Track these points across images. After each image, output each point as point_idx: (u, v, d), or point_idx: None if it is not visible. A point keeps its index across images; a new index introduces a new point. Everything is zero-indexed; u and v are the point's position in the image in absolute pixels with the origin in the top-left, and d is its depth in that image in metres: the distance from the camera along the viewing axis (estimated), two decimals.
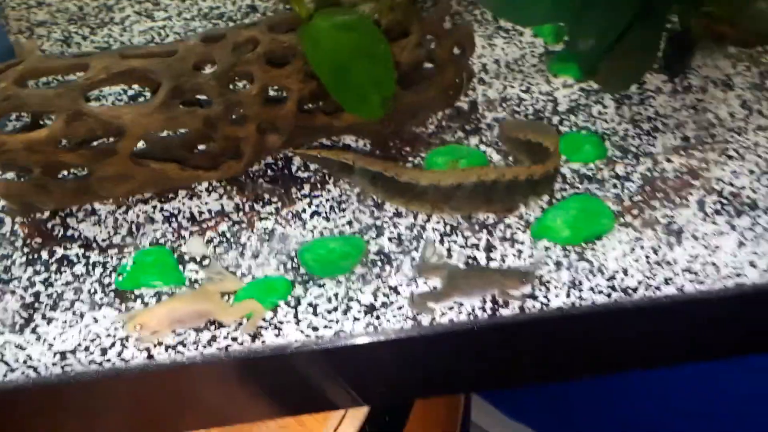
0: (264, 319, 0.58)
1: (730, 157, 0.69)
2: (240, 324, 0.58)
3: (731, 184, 0.66)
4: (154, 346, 0.56)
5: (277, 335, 0.57)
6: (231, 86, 0.65)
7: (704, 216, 0.64)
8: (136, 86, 0.79)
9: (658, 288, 0.58)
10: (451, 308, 0.59)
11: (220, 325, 0.58)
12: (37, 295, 0.61)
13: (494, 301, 0.58)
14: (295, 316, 0.58)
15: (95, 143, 0.64)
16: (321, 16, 0.61)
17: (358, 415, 0.64)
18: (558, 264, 0.60)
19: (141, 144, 0.66)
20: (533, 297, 0.58)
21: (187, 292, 0.59)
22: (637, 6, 0.72)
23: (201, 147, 0.68)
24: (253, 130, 0.66)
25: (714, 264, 0.60)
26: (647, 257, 0.60)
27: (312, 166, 0.71)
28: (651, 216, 0.64)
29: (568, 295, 0.58)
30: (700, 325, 0.60)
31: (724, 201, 0.65)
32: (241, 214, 0.68)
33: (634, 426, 1.11)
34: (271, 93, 0.71)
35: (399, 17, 0.66)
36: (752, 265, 0.59)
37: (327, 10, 0.61)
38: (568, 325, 0.58)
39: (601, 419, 1.15)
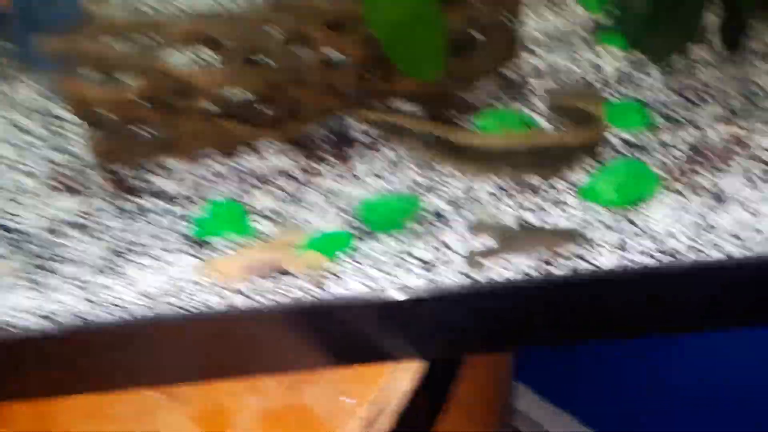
0: (326, 270, 0.62)
1: None
2: (306, 274, 0.62)
3: None
4: (233, 292, 0.61)
5: (339, 285, 0.61)
6: (295, 49, 0.68)
7: (749, 183, 0.66)
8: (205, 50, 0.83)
9: (704, 252, 0.61)
10: (503, 266, 0.62)
11: (289, 275, 0.62)
12: (121, 241, 0.65)
13: (545, 260, 0.62)
14: (356, 267, 0.62)
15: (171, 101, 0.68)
16: None
17: (411, 366, 0.68)
18: (607, 226, 0.63)
19: (211, 104, 0.70)
20: (582, 257, 0.62)
21: (259, 244, 0.63)
22: None
23: (262, 109, 0.72)
24: (313, 92, 0.70)
25: (758, 230, 0.62)
26: (694, 222, 0.63)
27: (366, 128, 0.74)
28: (697, 182, 0.66)
29: (616, 256, 0.61)
30: (746, 290, 0.62)
31: None
32: (300, 171, 0.71)
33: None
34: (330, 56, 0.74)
35: None
36: None
37: None
38: (617, 285, 0.61)
39: (645, 404, 1.17)
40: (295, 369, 0.65)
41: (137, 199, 0.69)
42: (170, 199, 0.69)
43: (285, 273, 0.62)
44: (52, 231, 0.67)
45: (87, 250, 0.65)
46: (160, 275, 0.62)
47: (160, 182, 0.71)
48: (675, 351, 1.14)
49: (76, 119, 0.76)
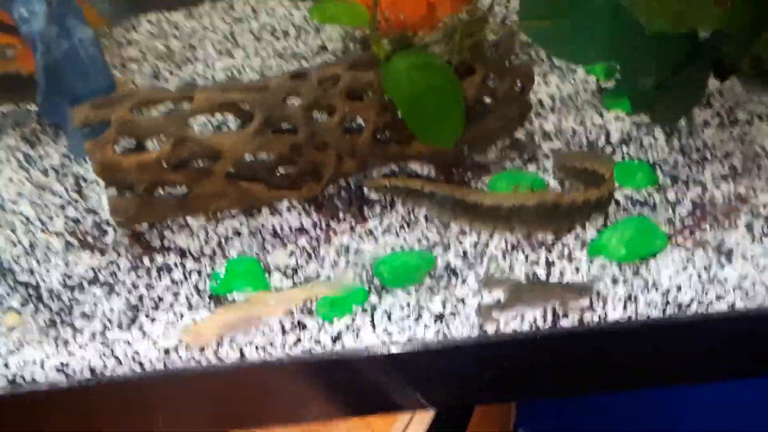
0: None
1: None
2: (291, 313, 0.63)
3: None
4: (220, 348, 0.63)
5: (355, 339, 0.63)
6: (315, 117, 0.73)
7: (752, 238, 0.68)
8: (218, 116, 0.88)
9: (710, 304, 0.62)
10: (514, 318, 0.64)
11: (304, 327, 0.64)
12: (140, 297, 0.68)
13: (554, 313, 0.63)
14: (372, 322, 0.64)
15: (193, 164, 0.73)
16: (399, 57, 0.69)
17: (424, 419, 0.69)
18: (614, 280, 0.65)
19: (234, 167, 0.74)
20: (591, 309, 0.63)
21: (237, 303, 0.66)
22: (687, 47, 0.77)
23: (281, 170, 0.76)
24: (333, 156, 0.74)
25: (763, 283, 0.64)
26: (699, 275, 0.65)
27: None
28: (702, 237, 0.68)
29: (624, 309, 0.63)
30: (750, 341, 0.63)
31: None
32: (318, 230, 0.75)
33: None
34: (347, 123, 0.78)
35: (466, 57, 0.73)
36: None
37: (404, 51, 0.69)
38: (625, 337, 0.62)
39: None
40: (307, 420, 0.66)
41: (157, 257, 0.72)
42: (190, 256, 0.72)
43: (302, 326, 0.64)
44: (71, 287, 0.70)
45: (105, 305, 0.68)
46: (178, 330, 0.65)
47: (177, 239, 0.74)
48: (678, 413, 1.13)
49: (97, 180, 0.80)
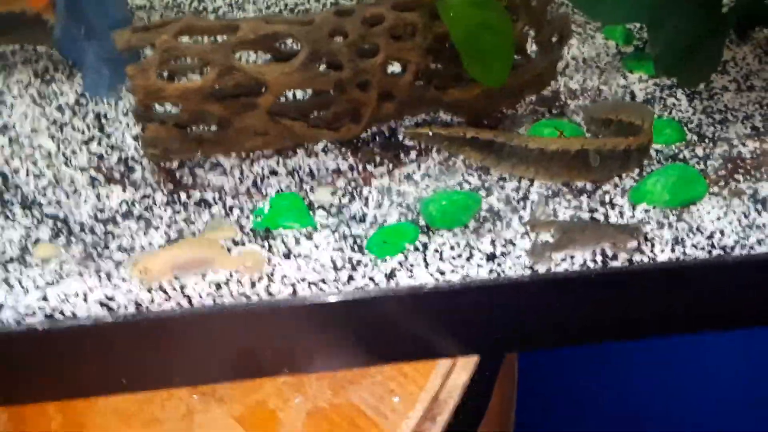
0: (264, 269, 0.61)
1: None
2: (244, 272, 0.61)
3: None
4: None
5: (410, 277, 0.62)
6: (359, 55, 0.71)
7: None
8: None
9: (752, 247, 0.65)
10: (564, 260, 0.64)
11: (359, 264, 0.63)
12: (180, 231, 0.65)
13: (604, 254, 0.64)
14: (424, 260, 0.64)
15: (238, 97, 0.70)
16: None
17: (467, 366, 0.68)
18: (660, 224, 0.67)
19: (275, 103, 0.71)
20: (641, 251, 0.64)
21: (189, 240, 0.63)
22: (708, 14, 0.80)
23: (315, 113, 0.74)
24: (374, 96, 0.72)
25: None
26: (739, 221, 0.67)
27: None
28: (737, 187, 0.71)
29: (672, 251, 0.64)
30: None
31: None
32: (355, 173, 0.73)
33: None
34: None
35: (514, 1, 0.73)
36: None
37: None
38: (674, 278, 0.64)
39: None
40: (340, 368, 0.65)
41: (194, 192, 0.69)
42: (227, 194, 0.70)
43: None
44: (104, 221, 0.66)
45: (143, 239, 0.64)
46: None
47: (211, 177, 0.71)
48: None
49: (119, 117, 0.77)
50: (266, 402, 0.62)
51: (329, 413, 0.62)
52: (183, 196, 0.69)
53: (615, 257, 0.64)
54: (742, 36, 0.87)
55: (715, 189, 0.71)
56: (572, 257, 0.64)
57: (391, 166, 0.74)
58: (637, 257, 0.64)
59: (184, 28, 0.66)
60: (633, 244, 0.64)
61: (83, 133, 0.77)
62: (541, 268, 0.63)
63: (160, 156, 0.70)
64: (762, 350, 1.06)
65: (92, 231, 0.65)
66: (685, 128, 0.79)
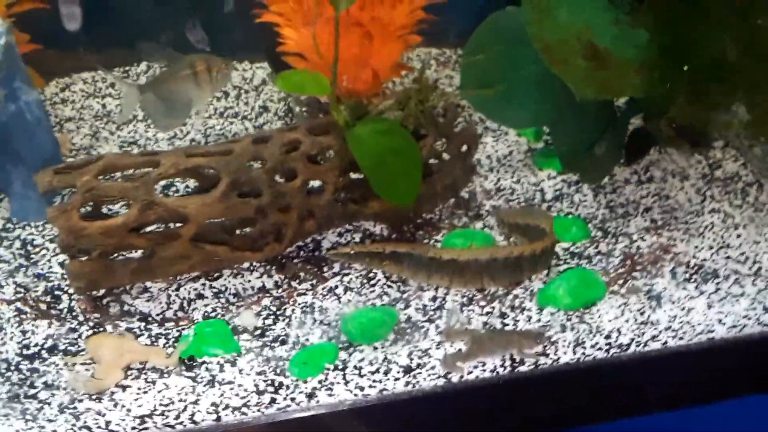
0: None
1: (692, 235, 0.83)
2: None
3: (695, 257, 0.80)
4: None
5: (330, 395, 0.66)
6: (277, 180, 0.76)
7: (677, 283, 0.77)
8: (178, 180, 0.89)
9: (646, 344, 0.70)
10: (476, 367, 0.68)
11: (281, 387, 0.66)
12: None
13: (512, 360, 0.69)
14: (344, 377, 0.67)
15: (159, 228, 0.73)
16: (362, 123, 0.74)
17: None
18: (563, 327, 0.71)
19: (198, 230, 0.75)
20: (545, 355, 0.69)
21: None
22: (607, 113, 0.87)
23: (238, 231, 0.78)
24: (295, 217, 0.77)
25: (689, 323, 0.72)
26: (635, 318, 0.72)
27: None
28: (634, 285, 0.76)
29: (574, 352, 0.69)
30: (682, 374, 0.71)
31: (692, 271, 0.78)
32: (281, 290, 0.77)
33: None
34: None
35: (420, 122, 0.79)
36: (720, 322, 0.72)
37: (364, 119, 0.75)
38: (576, 377, 0.68)
39: None
40: None
41: (120, 323, 0.71)
42: (153, 320, 0.72)
43: (278, 385, 0.66)
44: (29, 357, 0.68)
45: (69, 374, 0.66)
46: (152, 396, 0.65)
47: (138, 303, 0.74)
48: None
49: (46, 244, 0.79)
50: None
51: None
52: (109, 327, 0.71)
53: (522, 362, 0.69)
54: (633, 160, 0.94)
55: (615, 287, 0.76)
56: (483, 364, 0.69)
57: (315, 281, 0.78)
58: (542, 360, 0.69)
59: (106, 167, 0.70)
60: (537, 349, 0.69)
61: (9, 263, 0.79)
62: (455, 377, 0.67)
63: (85, 288, 0.72)
64: None
65: (17, 369, 0.67)
66: (590, 225, 0.86)
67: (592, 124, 0.87)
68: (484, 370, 0.68)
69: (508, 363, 0.68)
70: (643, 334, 0.71)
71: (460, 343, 0.70)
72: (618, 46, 0.78)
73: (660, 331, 0.71)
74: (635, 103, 0.88)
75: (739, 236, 0.83)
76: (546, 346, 0.69)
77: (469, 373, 0.68)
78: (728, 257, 0.80)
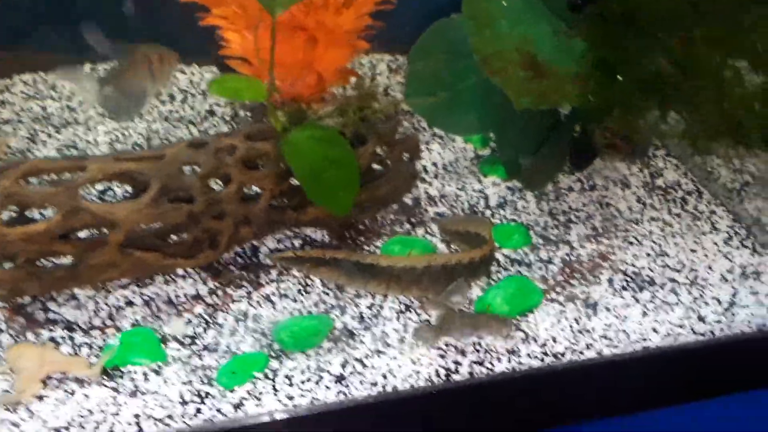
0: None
1: (630, 243, 0.83)
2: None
3: (633, 265, 0.80)
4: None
5: (257, 405, 0.64)
6: (212, 186, 0.74)
7: (614, 291, 0.77)
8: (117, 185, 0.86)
9: (581, 352, 0.70)
10: (410, 376, 0.67)
11: (207, 396, 0.64)
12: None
13: (448, 369, 0.68)
14: (273, 387, 0.65)
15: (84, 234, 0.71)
16: (298, 130, 0.72)
17: None
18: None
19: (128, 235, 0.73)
20: (480, 363, 0.68)
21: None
22: (550, 121, 0.88)
23: (174, 237, 0.76)
24: (230, 224, 0.75)
25: (624, 331, 0.72)
26: (571, 326, 0.72)
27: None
28: (571, 292, 0.76)
29: (509, 361, 0.68)
30: (616, 383, 0.71)
31: (629, 279, 0.78)
32: (215, 297, 0.75)
33: None
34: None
35: (359, 129, 0.78)
36: (655, 331, 0.72)
37: (302, 125, 0.73)
38: (509, 386, 0.68)
39: None
40: None
41: (42, 331, 0.69)
42: (79, 329, 0.70)
43: (204, 394, 0.64)
44: None
45: None
46: (70, 407, 0.62)
47: (64, 311, 0.71)
48: None
49: None
50: None
51: None
52: (30, 335, 0.68)
53: (457, 371, 0.68)
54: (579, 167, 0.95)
55: (553, 294, 0.76)
56: (417, 372, 0.68)
57: (251, 288, 0.76)
58: (476, 369, 0.68)
59: (29, 172, 0.68)
60: (509, 333, 0.69)
61: None
62: (388, 386, 0.66)
63: (9, 296, 0.70)
64: None
65: None
66: (532, 232, 0.85)
67: (535, 132, 0.88)
68: (419, 380, 0.67)
69: (443, 373, 0.68)
70: (578, 342, 0.71)
71: (433, 313, 0.71)
72: (556, 57, 0.79)
73: (595, 339, 0.71)
74: (577, 112, 0.89)
75: (676, 244, 0.83)
76: (481, 353, 0.69)
77: (403, 381, 0.67)
78: (665, 265, 0.80)
